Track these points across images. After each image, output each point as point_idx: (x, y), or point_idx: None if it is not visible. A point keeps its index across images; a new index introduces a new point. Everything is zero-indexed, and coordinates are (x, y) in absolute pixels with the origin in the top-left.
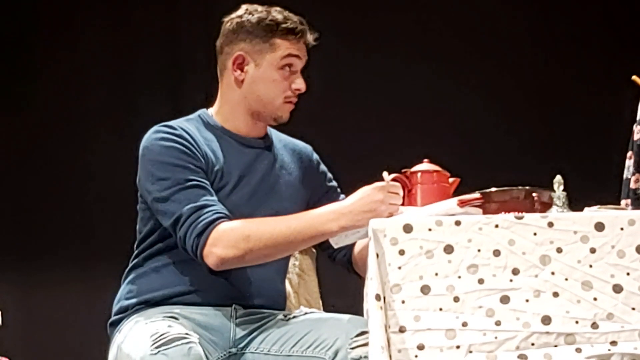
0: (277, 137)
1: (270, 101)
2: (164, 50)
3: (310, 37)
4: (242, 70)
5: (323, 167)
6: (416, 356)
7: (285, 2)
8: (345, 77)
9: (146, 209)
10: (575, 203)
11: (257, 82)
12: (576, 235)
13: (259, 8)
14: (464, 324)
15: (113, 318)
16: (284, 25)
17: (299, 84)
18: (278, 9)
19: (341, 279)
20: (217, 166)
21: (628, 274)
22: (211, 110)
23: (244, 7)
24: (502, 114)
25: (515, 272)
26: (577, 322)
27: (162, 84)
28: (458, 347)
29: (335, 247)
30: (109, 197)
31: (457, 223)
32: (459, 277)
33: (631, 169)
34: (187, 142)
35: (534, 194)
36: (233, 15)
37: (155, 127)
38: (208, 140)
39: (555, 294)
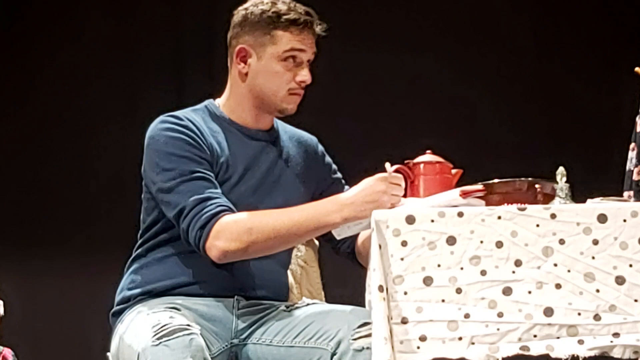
0: (283, 128)
1: (274, 93)
2: (168, 40)
3: (317, 28)
4: (245, 63)
5: (328, 158)
6: (418, 347)
7: None
8: (349, 69)
9: (150, 199)
10: (578, 195)
11: (259, 75)
12: (579, 226)
13: (269, 1)
14: (467, 316)
15: (115, 308)
16: (286, 17)
17: (304, 75)
18: (287, 0)
19: (343, 270)
20: (223, 158)
21: (631, 265)
22: (218, 101)
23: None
24: (504, 106)
25: (518, 263)
26: (579, 313)
27: (166, 74)
28: (460, 338)
29: (338, 238)
30: (113, 187)
31: (460, 214)
32: (462, 268)
33: (634, 160)
34: (193, 133)
35: (536, 186)
36: (240, 7)
37: (162, 117)
38: (214, 132)
39: (558, 286)
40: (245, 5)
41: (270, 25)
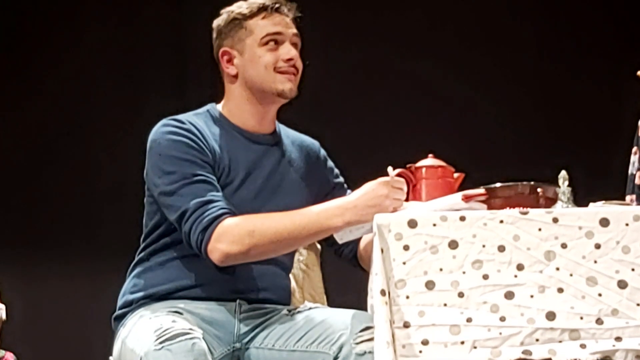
0: (286, 133)
1: (264, 78)
2: (170, 45)
3: (284, 9)
4: (232, 64)
5: (330, 163)
6: (420, 351)
7: None
8: (351, 73)
9: (153, 203)
10: (580, 198)
11: (247, 68)
12: (581, 230)
13: (235, 4)
14: (469, 320)
15: (118, 312)
16: (253, 7)
17: (287, 52)
18: None
19: (345, 274)
20: (225, 162)
21: (633, 269)
22: (219, 106)
23: (222, 11)
24: (507, 110)
25: (520, 267)
26: (581, 317)
27: (168, 77)
28: (462, 342)
29: (340, 242)
30: (115, 191)
31: (462, 218)
32: (464, 272)
33: (636, 164)
34: (195, 137)
35: (538, 190)
36: (213, 23)
37: (164, 121)
38: (216, 136)
39: (560, 290)
40: (214, 21)
41: (242, 20)
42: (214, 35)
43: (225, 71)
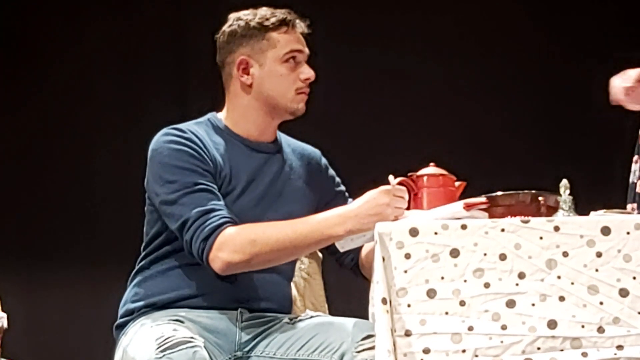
0: (287, 141)
1: (283, 96)
2: (171, 52)
3: (301, 25)
4: (247, 74)
5: (331, 171)
6: None
7: (291, 3)
8: (351, 81)
9: (154, 211)
10: (582, 207)
11: (266, 81)
12: (582, 239)
13: (245, 12)
14: (470, 328)
15: (119, 321)
16: (273, 19)
17: (307, 73)
18: (263, 8)
19: (346, 282)
20: (226, 170)
21: (634, 278)
22: (220, 115)
23: (230, 16)
24: (508, 118)
25: (521, 276)
26: (583, 326)
27: (169, 86)
28: (464, 351)
29: (342, 250)
30: (116, 200)
31: (463, 227)
32: (465, 281)
33: (637, 173)
34: (196, 146)
35: (540, 198)
36: (223, 28)
37: (165, 130)
38: (217, 144)
39: (561, 298)
40: (227, 24)
41: (262, 31)
42: (225, 38)
43: (239, 80)
